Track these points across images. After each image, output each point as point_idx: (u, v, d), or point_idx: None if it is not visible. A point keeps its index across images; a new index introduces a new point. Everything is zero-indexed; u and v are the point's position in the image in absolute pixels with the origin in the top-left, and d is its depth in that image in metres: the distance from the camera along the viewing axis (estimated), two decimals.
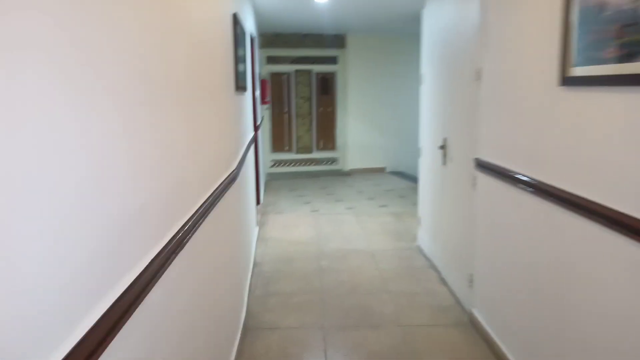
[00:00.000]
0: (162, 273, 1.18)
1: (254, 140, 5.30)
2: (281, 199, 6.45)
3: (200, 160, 1.82)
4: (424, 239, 4.23)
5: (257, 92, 5.91)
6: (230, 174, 2.60)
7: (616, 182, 1.58)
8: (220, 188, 2.18)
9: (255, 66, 5.59)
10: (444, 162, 3.54)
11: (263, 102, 7.12)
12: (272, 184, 7.47)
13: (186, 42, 1.62)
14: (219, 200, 2.13)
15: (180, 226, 1.42)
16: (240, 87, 3.29)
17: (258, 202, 5.80)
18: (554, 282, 1.97)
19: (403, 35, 8.10)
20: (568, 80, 1.82)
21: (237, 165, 2.94)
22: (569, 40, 1.80)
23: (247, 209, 3.87)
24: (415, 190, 6.93)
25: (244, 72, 3.62)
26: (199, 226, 1.66)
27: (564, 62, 1.83)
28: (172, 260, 1.28)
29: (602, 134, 1.64)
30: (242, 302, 3.03)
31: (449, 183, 3.46)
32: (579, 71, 1.75)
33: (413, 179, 7.82)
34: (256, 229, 4.81)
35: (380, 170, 8.50)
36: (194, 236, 1.56)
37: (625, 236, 1.51)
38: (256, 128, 5.65)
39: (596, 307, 1.69)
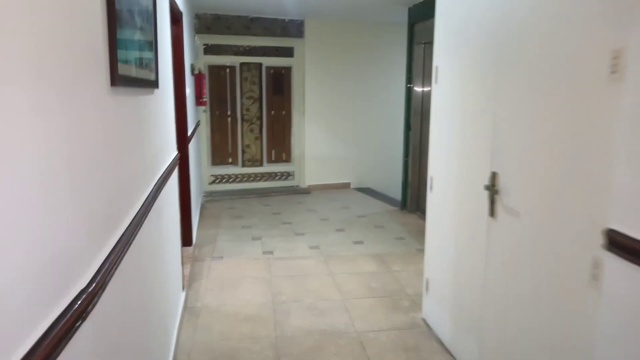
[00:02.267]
0: None
1: (180, 160, 3.70)
2: (221, 233, 4.85)
3: None
4: (435, 312, 2.82)
5: (188, 90, 4.29)
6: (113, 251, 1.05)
7: None
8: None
9: (184, 55, 3.97)
10: (493, 213, 2.12)
11: (198, 102, 5.49)
12: (210, 208, 5.84)
13: None
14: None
15: None
16: (138, 80, 1.73)
17: (189, 242, 4.18)
18: None
19: (378, 21, 6.69)
20: None
21: (128, 229, 1.39)
22: None
23: (161, 280, 2.30)
24: (392, 215, 5.56)
25: (150, 60, 2.04)
26: None
27: None
28: None
29: None
30: None
31: (507, 252, 2.04)
32: None
33: (385, 198, 6.44)
34: (182, 295, 3.21)
35: (345, 187, 7.06)
36: None
37: None
38: (185, 140, 4.03)
39: None
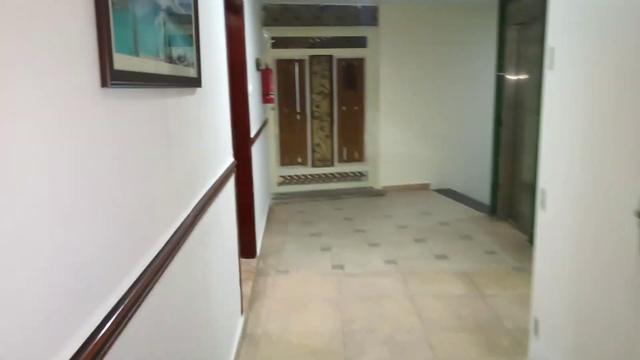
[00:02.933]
0: None
1: (242, 166, 3.35)
2: (288, 241, 4.47)
3: None
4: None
5: (251, 87, 3.93)
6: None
7: None
8: None
9: (245, 48, 3.61)
10: None
11: (265, 99, 5.15)
12: (278, 212, 5.50)
13: None
14: None
15: None
16: (165, 77, 1.33)
17: (253, 254, 3.83)
18: None
19: (462, 3, 6.00)
20: None
21: None
22: None
23: (211, 308, 1.93)
24: (480, 223, 4.89)
25: (188, 53, 1.64)
26: None
27: None
28: None
29: None
30: None
31: None
32: None
33: (470, 202, 5.75)
34: (240, 320, 2.84)
35: (424, 188, 6.44)
36: None
37: None
38: (247, 143, 3.69)
39: None
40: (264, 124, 5.23)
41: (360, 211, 5.47)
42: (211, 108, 2.17)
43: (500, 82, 4.95)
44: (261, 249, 4.19)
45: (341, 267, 3.83)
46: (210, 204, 1.98)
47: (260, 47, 5.18)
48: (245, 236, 3.71)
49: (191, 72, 1.70)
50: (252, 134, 3.86)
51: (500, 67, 4.93)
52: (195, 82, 1.76)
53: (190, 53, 1.69)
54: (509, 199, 4.96)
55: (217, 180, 2.16)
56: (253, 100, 4.05)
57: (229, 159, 2.69)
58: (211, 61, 2.17)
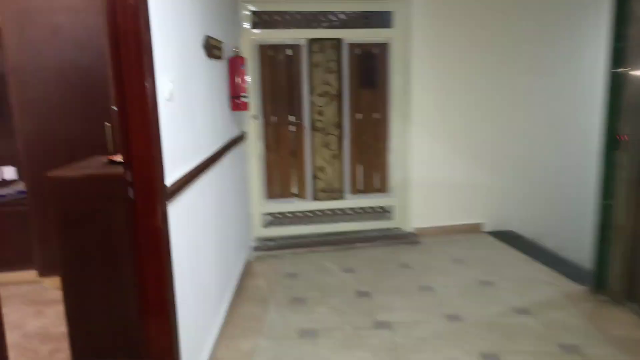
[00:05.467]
0: None
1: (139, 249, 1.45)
2: (262, 349, 2.57)
3: None
4: None
5: (171, 86, 2.05)
6: None
7: None
8: None
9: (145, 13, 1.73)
10: None
11: (234, 104, 3.29)
12: (258, 275, 3.60)
13: None
14: None
15: None
16: None
17: None
18: None
19: None
20: None
21: None
22: None
23: None
24: (582, 310, 2.77)
25: None
26: None
27: None
28: None
29: None
30: None
31: None
32: None
33: (549, 257, 3.82)
34: None
35: (473, 230, 4.48)
36: None
37: None
38: (151, 201, 1.79)
39: None
40: (234, 142, 3.35)
41: (382, 276, 3.54)
42: None
43: (617, 82, 2.97)
44: None
45: None
46: None
47: (224, 21, 3.29)
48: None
49: None
50: (173, 177, 1.97)
51: (618, 59, 2.95)
52: None
53: None
54: (631, 267, 2.99)
55: None
56: (184, 110, 2.17)
57: None
58: None
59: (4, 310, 3.05)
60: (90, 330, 2.23)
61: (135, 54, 1.68)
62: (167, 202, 1.85)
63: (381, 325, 2.82)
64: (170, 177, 1.92)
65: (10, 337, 2.64)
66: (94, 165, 2.36)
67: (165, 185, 1.82)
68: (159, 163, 1.78)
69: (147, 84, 1.70)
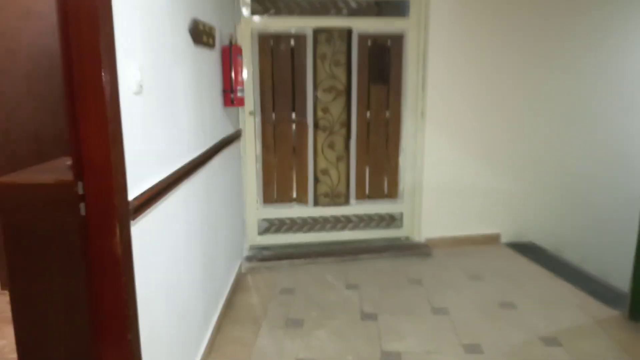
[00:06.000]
0: None
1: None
2: None
3: None
4: None
5: (138, 76, 1.68)
6: None
7: None
8: None
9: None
10: None
11: (228, 101, 2.92)
12: (250, 291, 3.24)
13: None
14: None
15: None
16: None
17: None
18: None
19: None
20: None
21: None
22: None
23: None
24: (618, 340, 2.46)
25: None
26: None
27: None
28: None
29: None
30: None
31: None
32: None
33: (573, 274, 3.46)
34: None
35: (490, 242, 4.09)
36: None
37: None
38: (108, 217, 1.40)
39: None
40: (227, 142, 2.99)
41: (390, 293, 3.17)
42: None
43: None
44: None
45: None
46: None
47: (218, 5, 2.91)
48: None
49: None
50: (142, 188, 1.60)
51: None
52: None
53: None
54: None
55: None
56: (161, 105, 1.80)
57: None
58: None
59: None
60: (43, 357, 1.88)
61: (88, 32, 1.31)
62: (131, 219, 1.48)
63: (389, 356, 2.45)
64: (138, 187, 1.56)
65: None
66: (56, 169, 2.00)
67: (127, 201, 1.46)
68: (119, 172, 1.41)
69: (104, 73, 1.33)
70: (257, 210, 3.87)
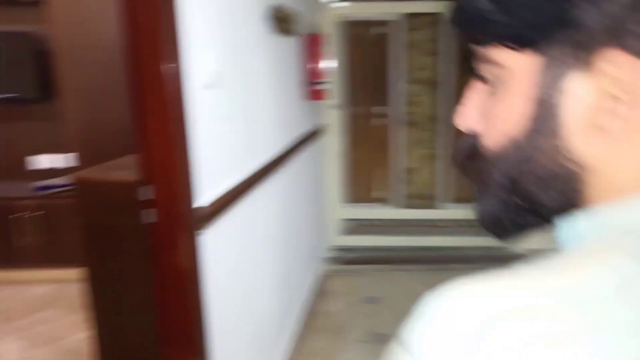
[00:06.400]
0: None
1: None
2: None
3: None
4: None
5: (213, 66, 1.50)
6: None
7: None
8: None
9: None
10: None
11: (312, 92, 2.72)
12: (331, 298, 3.02)
13: None
14: None
15: None
16: None
17: None
18: None
19: None
20: None
21: None
22: None
23: None
24: None
25: None
26: None
27: None
28: None
29: None
30: None
31: None
32: None
33: None
34: None
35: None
36: None
37: None
38: (176, 225, 1.22)
39: None
40: (308, 138, 2.79)
41: None
42: None
43: None
44: None
45: None
46: None
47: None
48: None
49: None
50: (215, 193, 1.42)
51: None
52: None
53: None
54: None
55: None
56: (235, 100, 1.62)
57: None
58: None
59: (44, 315, 2.74)
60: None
61: (146, 16, 1.13)
62: (201, 228, 1.31)
63: None
64: (210, 193, 1.38)
65: (41, 354, 2.31)
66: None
67: (192, 209, 1.28)
68: (184, 178, 1.23)
69: (162, 65, 1.15)
70: (339, 210, 3.65)
